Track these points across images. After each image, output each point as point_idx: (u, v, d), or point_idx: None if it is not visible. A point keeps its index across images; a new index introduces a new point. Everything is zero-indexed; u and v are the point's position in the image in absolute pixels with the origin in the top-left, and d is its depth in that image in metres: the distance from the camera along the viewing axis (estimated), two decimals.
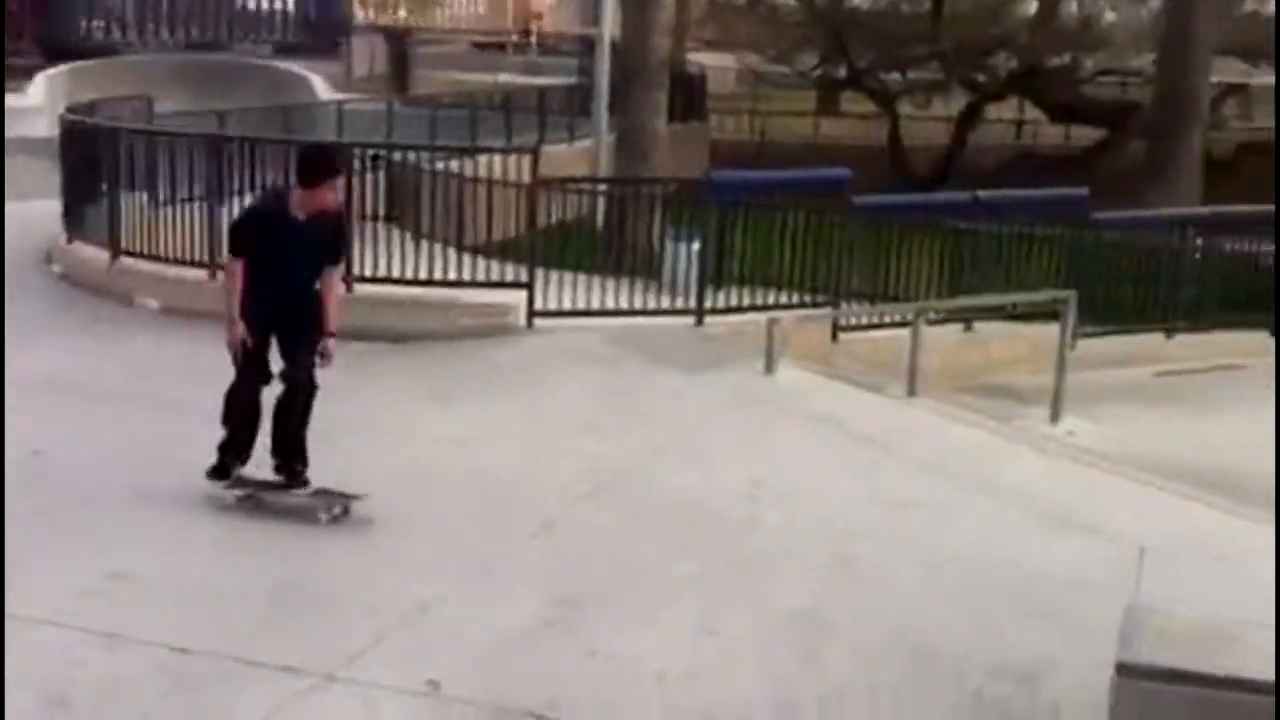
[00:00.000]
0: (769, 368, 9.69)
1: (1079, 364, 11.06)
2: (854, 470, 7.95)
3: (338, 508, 6.59)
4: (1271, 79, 28.15)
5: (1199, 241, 13.87)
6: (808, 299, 11.52)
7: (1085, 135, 28.24)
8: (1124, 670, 4.66)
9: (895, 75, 28.00)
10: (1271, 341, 13.08)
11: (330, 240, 6.72)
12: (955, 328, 12.08)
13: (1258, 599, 6.16)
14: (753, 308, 11.16)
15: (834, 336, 11.50)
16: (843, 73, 28.34)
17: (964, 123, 27.44)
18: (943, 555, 6.67)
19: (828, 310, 11.57)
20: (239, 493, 6.73)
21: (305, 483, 6.71)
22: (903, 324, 11.08)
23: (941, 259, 12.60)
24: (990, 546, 6.83)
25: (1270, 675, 4.62)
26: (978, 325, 12.21)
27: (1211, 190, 19.48)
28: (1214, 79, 22.87)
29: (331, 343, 6.64)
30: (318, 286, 6.67)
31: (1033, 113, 29.48)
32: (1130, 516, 7.32)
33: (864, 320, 11.85)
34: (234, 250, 6.67)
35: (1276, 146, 17.30)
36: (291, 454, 6.72)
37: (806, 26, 27.81)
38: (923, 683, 5.42)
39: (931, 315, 11.13)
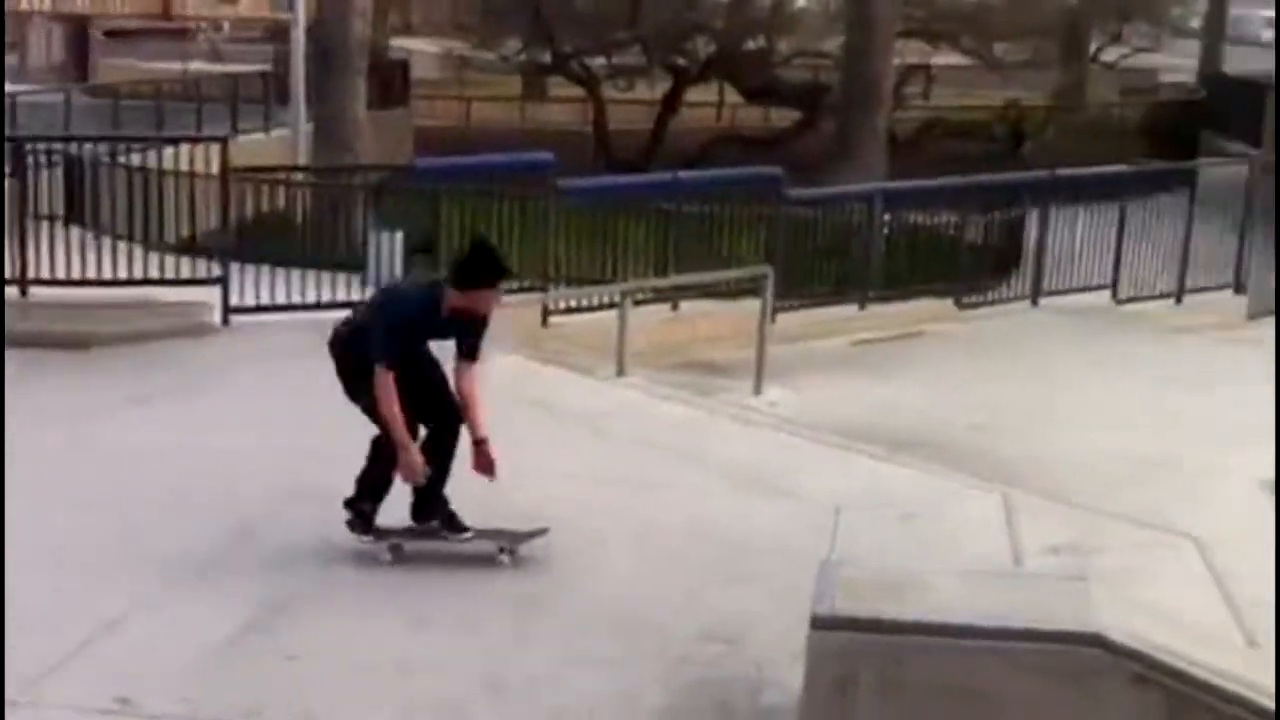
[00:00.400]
0: None
1: (779, 337, 11.45)
2: (564, 451, 7.99)
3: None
4: (951, 59, 29.92)
5: (886, 216, 14.57)
6: (516, 284, 11.50)
7: (784, 116, 29.24)
8: (817, 623, 4.83)
9: (599, 60, 28.33)
10: (953, 306, 13.92)
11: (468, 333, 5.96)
12: (663, 307, 12.32)
13: (945, 550, 6.54)
14: None
15: (544, 321, 11.55)
16: (547, 58, 28.49)
17: (667, 106, 28.02)
18: (651, 528, 6.79)
19: (536, 295, 11.60)
20: None
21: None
22: (611, 305, 11.22)
23: (646, 240, 12.84)
24: (696, 517, 6.99)
25: (954, 618, 4.88)
26: (684, 304, 12.49)
27: (897, 166, 20.51)
28: (896, 61, 24.04)
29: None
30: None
31: (733, 95, 30.34)
32: (827, 479, 7.61)
33: (573, 304, 11.95)
34: (384, 361, 5.78)
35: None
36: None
37: (509, 11, 27.82)
38: (632, 653, 5.50)
39: (638, 296, 11.31)
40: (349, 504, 6.15)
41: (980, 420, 9.42)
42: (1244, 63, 32.55)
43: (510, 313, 10.42)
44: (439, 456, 6.06)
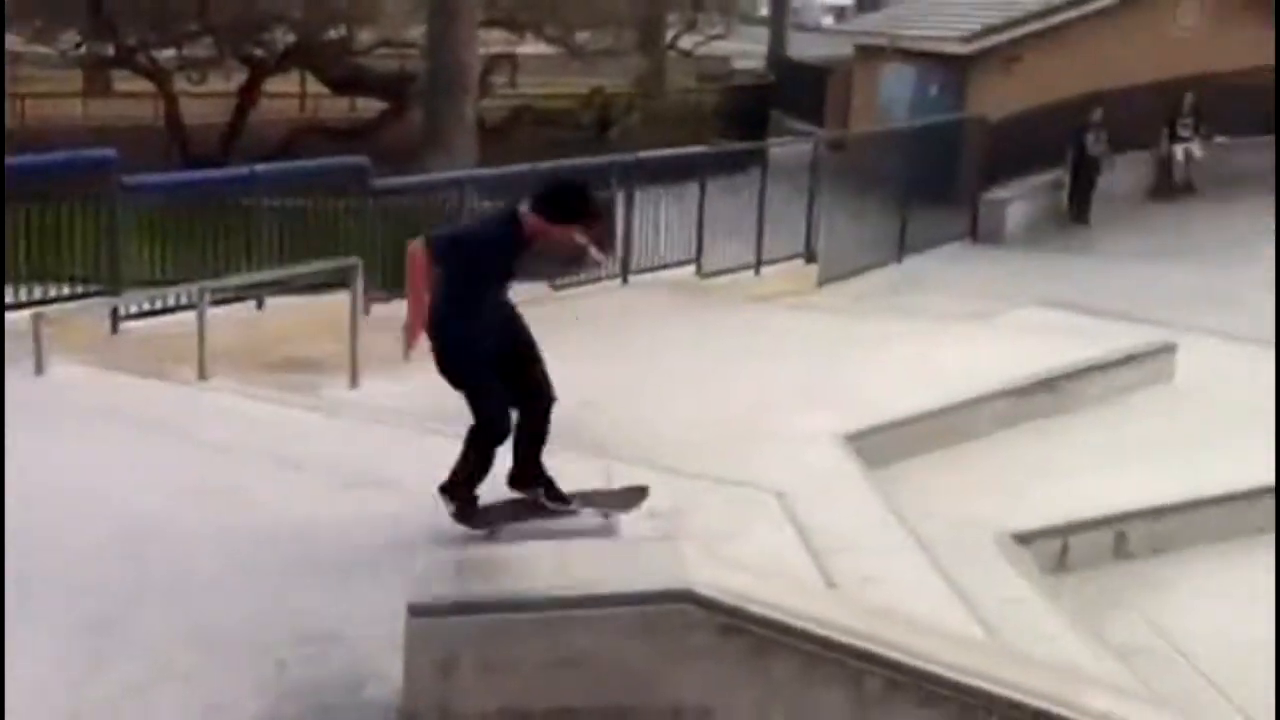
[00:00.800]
0: (39, 368, 8.92)
1: (376, 328, 11.18)
2: (144, 463, 7.50)
3: None
4: (536, 48, 30.34)
5: (481, 202, 14.54)
6: (80, 290, 10.76)
7: (371, 106, 28.78)
8: (414, 610, 4.75)
9: (169, 52, 26.88)
10: (547, 288, 14.06)
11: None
12: (248, 306, 11.82)
13: (549, 524, 6.55)
14: (17, 305, 10.24)
15: (114, 328, 10.84)
16: (110, 51, 26.77)
17: (244, 98, 26.97)
18: (239, 534, 6.47)
19: (105, 300, 10.87)
20: None
21: None
22: (189, 307, 10.64)
23: (224, 236, 12.28)
24: (289, 517, 6.72)
25: (548, 591, 4.89)
26: (271, 301, 12.02)
27: (488, 153, 20.59)
28: (482, 50, 24.12)
29: None
30: None
31: (318, 86, 29.57)
32: (428, 467, 7.49)
33: (147, 307, 11.27)
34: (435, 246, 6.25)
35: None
36: None
37: (65, 4, 25.92)
38: (221, 664, 5.20)
39: (219, 295, 10.79)
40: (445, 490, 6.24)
41: (586, 397, 9.55)
42: (807, 48, 34.85)
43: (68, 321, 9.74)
44: (532, 425, 6.17)
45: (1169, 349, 10.93)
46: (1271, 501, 8.55)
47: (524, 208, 6.13)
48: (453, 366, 6.16)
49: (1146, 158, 21.48)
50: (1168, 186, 21.26)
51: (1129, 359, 10.65)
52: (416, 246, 6.11)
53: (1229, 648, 7.24)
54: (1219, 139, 21.44)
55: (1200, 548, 8.41)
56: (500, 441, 6.28)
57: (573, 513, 6.38)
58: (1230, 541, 8.46)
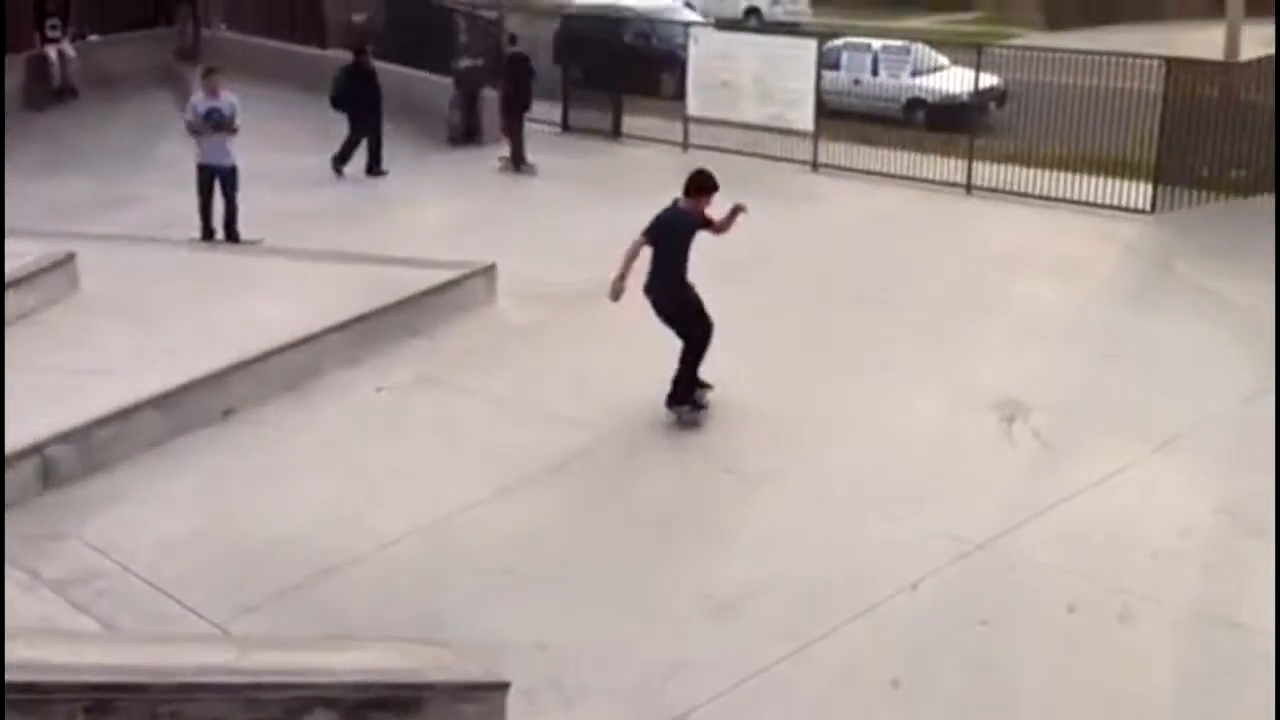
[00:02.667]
0: None
1: None
2: None
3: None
4: None
5: None
6: None
7: None
8: None
9: None
10: None
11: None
12: None
13: None
14: None
15: None
16: None
17: None
18: None
19: None
20: None
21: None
22: None
23: None
24: None
25: None
26: None
27: None
28: None
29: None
30: None
31: None
32: None
33: None
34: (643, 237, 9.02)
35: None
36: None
37: None
38: None
39: None
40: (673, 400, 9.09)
41: None
42: None
43: None
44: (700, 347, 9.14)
45: (69, 259, 10.52)
46: None
47: (680, 199, 9.16)
48: (666, 311, 9.06)
49: (21, 62, 20.35)
50: (48, 91, 20.39)
51: (29, 277, 10.06)
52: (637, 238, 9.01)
53: (169, 549, 7.23)
54: (92, 37, 21.04)
55: (137, 458, 8.26)
56: (702, 355, 9.12)
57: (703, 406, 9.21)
58: (165, 445, 8.43)
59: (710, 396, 9.28)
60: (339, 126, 17.14)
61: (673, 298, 9.07)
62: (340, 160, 16.99)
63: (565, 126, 19.75)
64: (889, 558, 7.34)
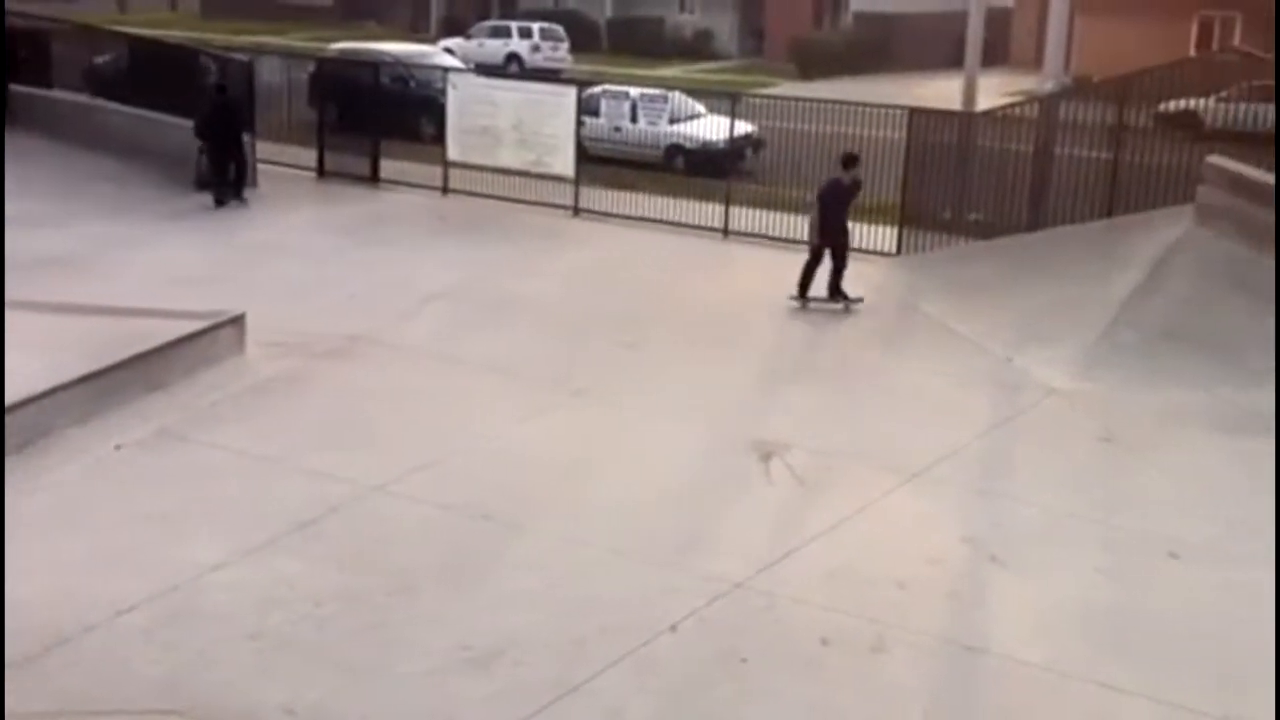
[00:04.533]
0: None
1: None
2: None
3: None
4: None
5: None
6: None
7: None
8: None
9: None
10: None
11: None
12: None
13: None
14: None
15: None
16: None
17: None
18: None
19: None
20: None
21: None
22: None
23: None
24: None
25: None
26: None
27: None
28: None
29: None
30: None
31: None
32: None
33: None
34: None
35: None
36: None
37: None
38: None
39: None
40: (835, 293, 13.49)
41: None
42: None
43: None
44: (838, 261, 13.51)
45: None
46: None
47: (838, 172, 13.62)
48: (830, 244, 13.34)
49: None
50: None
51: None
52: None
53: None
54: None
55: None
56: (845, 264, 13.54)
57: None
58: None
59: (475, 444, 9.11)
60: (74, 171, 16.38)
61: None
62: (217, 188, 17.00)
63: (321, 172, 19.32)
64: (648, 601, 7.30)
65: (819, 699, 6.51)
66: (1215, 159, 13.23)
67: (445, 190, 18.16)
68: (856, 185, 13.67)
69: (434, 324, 12.33)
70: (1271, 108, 15.10)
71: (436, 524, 8.23)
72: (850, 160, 13.69)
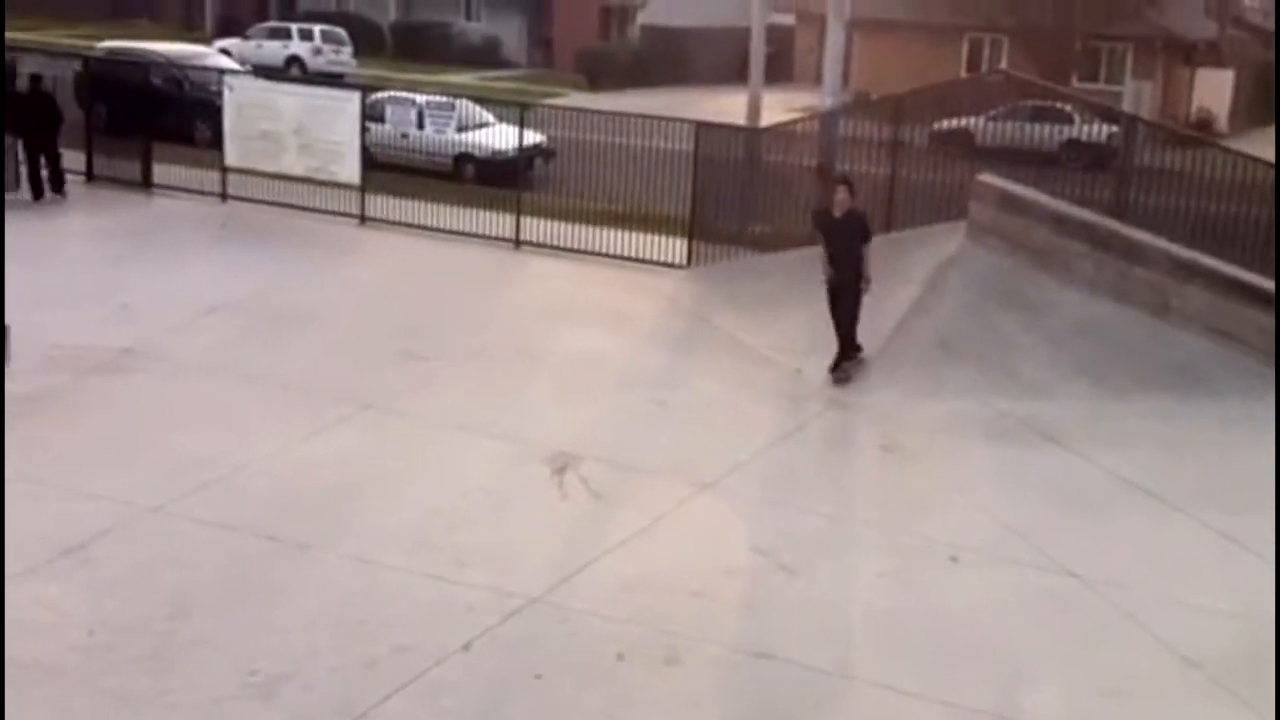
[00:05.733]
0: None
1: None
2: None
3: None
4: None
5: None
6: None
7: None
8: None
9: None
10: None
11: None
12: None
13: None
14: None
15: None
16: None
17: None
18: None
19: None
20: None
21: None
22: None
23: None
24: None
25: None
26: None
27: None
28: None
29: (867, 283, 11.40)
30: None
31: None
32: None
33: None
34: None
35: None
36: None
37: None
38: None
39: None
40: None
41: None
42: None
43: None
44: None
45: None
46: None
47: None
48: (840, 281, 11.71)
49: None
50: None
51: None
52: None
53: None
54: None
55: None
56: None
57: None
58: None
59: (258, 461, 8.80)
60: None
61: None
62: (33, 182, 16.88)
63: (90, 176, 18.42)
64: (441, 620, 7.16)
65: (612, 713, 6.48)
66: (985, 177, 13.78)
67: (224, 197, 17.54)
68: (852, 215, 11.51)
69: (213, 337, 11.87)
70: (1038, 127, 15.89)
71: (218, 546, 7.90)
72: (829, 175, 12.17)
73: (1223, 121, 39.75)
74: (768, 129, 16.64)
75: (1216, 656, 7.28)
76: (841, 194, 11.55)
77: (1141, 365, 11.72)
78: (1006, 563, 8.35)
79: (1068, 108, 19.23)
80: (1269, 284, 12.40)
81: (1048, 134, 16.50)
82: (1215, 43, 43.27)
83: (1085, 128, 17.96)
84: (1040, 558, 8.39)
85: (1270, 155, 14.18)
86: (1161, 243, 12.81)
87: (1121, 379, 11.54)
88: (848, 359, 11.56)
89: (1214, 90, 41.18)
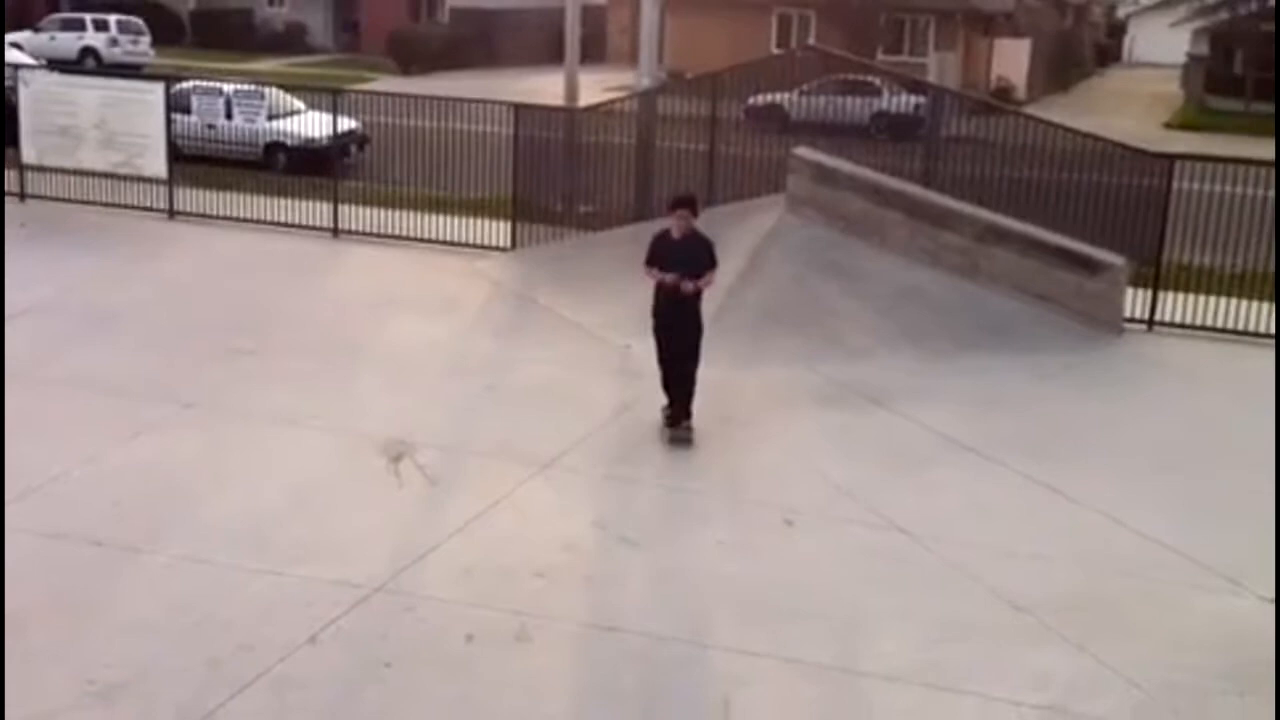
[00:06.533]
0: None
1: None
2: None
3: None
4: None
5: None
6: None
7: None
8: None
9: None
10: None
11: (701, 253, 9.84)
12: None
13: None
14: None
15: None
16: None
17: None
18: None
19: None
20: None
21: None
22: None
23: None
24: None
25: None
26: None
27: None
28: None
29: (695, 284, 9.77)
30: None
31: None
32: None
33: None
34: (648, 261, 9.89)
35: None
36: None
37: None
38: None
39: None
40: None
41: None
42: None
43: None
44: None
45: None
46: None
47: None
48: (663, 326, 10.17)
49: None
50: None
51: None
52: None
53: None
54: None
55: None
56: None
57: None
58: None
59: (78, 467, 8.47)
60: None
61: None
62: None
63: None
64: (283, 615, 7.04)
65: (466, 695, 6.47)
66: (800, 150, 14.08)
67: (23, 196, 16.82)
68: (694, 237, 9.78)
69: (20, 341, 11.38)
70: (847, 100, 16.28)
71: (41, 556, 7.61)
72: (680, 203, 9.87)
73: (1021, 90, 41.35)
74: (587, 109, 16.69)
75: (1045, 601, 7.62)
76: (681, 215, 9.77)
77: (958, 326, 12.16)
78: (840, 522, 8.59)
79: (875, 80, 19.70)
80: (1072, 244, 12.98)
81: (857, 107, 16.90)
82: (1011, 14, 44.93)
83: (893, 100, 18.43)
84: (871, 516, 8.65)
85: (1064, 120, 14.80)
86: (969, 208, 13.30)
87: (940, 340, 11.95)
88: (688, 416, 9.92)
89: (1012, 60, 42.82)
